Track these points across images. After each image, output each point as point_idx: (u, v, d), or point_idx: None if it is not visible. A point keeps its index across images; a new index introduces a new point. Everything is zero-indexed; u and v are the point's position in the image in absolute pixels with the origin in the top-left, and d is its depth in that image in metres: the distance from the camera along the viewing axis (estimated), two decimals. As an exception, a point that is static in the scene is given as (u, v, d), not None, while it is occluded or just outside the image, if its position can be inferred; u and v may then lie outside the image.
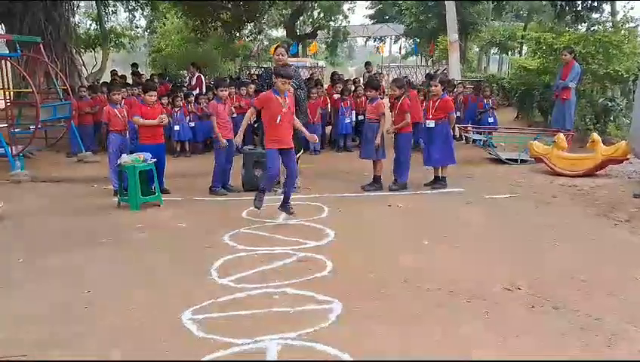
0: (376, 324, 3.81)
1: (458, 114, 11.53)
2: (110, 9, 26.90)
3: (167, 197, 7.58)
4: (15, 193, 8.11)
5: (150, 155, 7.32)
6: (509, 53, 26.11)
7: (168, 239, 5.93)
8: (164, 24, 28.93)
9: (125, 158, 7.17)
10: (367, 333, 3.67)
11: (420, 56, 39.14)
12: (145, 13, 30.01)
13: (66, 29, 18.34)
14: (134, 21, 31.21)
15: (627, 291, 4.32)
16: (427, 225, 6.25)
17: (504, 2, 27.69)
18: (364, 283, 4.55)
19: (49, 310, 4.15)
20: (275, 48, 7.95)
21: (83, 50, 22.87)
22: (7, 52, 13.32)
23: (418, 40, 34.05)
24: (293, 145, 6.34)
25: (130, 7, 28.45)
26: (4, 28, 18.90)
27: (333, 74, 13.87)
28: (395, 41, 49.39)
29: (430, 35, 29.18)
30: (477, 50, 31.60)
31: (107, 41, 23.72)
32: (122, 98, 8.46)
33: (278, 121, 6.16)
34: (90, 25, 27.35)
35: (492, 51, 28.86)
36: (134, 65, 18.10)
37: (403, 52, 49.93)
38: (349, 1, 38.82)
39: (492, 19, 28.74)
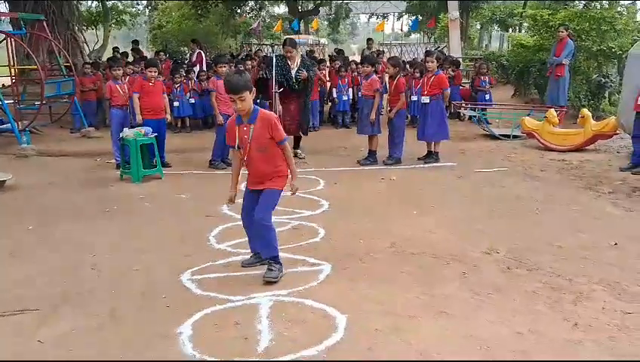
0: (361, 283, 4.11)
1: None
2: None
3: (167, 170, 7.87)
4: (23, 166, 8.39)
5: (151, 130, 7.59)
6: (510, 30, 26.09)
7: (169, 209, 6.22)
8: (165, 0, 28.94)
9: (127, 132, 7.43)
10: (352, 291, 3.97)
11: (422, 34, 38.99)
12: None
13: (69, 6, 18.49)
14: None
15: (600, 256, 4.60)
16: (417, 197, 6.52)
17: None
18: (353, 249, 4.84)
19: (59, 271, 4.45)
20: (284, 44, 8.64)
21: (84, 28, 23.00)
22: (12, 30, 13.47)
23: (420, 17, 33.93)
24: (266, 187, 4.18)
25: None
26: (7, 6, 19.03)
27: (338, 51, 14.10)
28: (398, 18, 49.13)
29: (432, 13, 29.11)
30: (478, 27, 31.53)
31: (109, 18, 23.79)
32: (124, 74, 8.65)
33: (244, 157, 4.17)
34: (92, 2, 27.36)
35: (493, 29, 28.80)
36: (135, 42, 18.27)
37: (405, 29, 49.70)
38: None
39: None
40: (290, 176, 4.25)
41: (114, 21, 26.11)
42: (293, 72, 8.23)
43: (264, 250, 4.23)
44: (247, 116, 4.02)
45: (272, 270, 4.13)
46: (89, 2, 28.02)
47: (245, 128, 4.04)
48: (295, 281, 4.13)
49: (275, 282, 4.06)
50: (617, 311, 3.62)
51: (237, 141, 4.11)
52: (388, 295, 3.91)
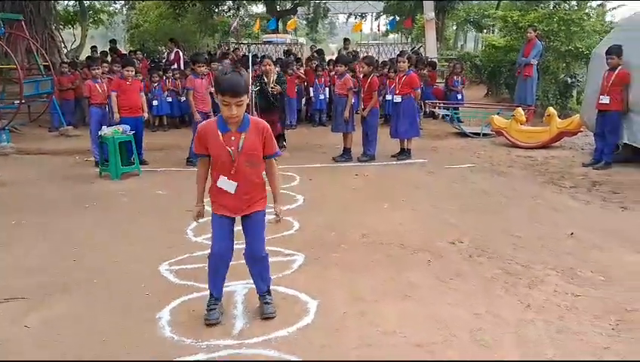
0: (332, 271, 4.34)
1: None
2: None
3: (145, 168, 8.02)
4: (3, 164, 8.49)
5: (129, 127, 7.74)
6: (484, 31, 26.59)
7: (148, 204, 6.39)
8: (142, 0, 28.88)
9: (105, 130, 7.57)
10: (324, 278, 4.21)
11: (400, 34, 39.42)
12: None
13: (46, 5, 18.40)
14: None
15: (557, 245, 4.89)
16: (389, 192, 6.78)
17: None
18: (326, 240, 5.07)
19: (43, 263, 4.61)
20: (262, 59, 9.32)
21: (62, 27, 22.90)
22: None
23: (398, 18, 34.31)
24: (256, 210, 3.49)
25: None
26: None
27: (319, 51, 14.39)
28: (376, 18, 49.51)
29: (409, 13, 29.49)
30: (454, 28, 32.02)
31: (86, 17, 23.72)
32: (102, 72, 8.78)
33: (222, 181, 3.41)
34: (69, 1, 27.23)
35: (468, 29, 29.32)
36: (112, 41, 18.28)
37: (383, 29, 50.12)
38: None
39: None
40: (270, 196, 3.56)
41: (91, 20, 26.02)
42: (269, 87, 8.60)
43: (263, 283, 3.68)
44: (236, 124, 3.30)
45: (269, 303, 3.63)
46: (66, 2, 27.93)
47: (234, 138, 3.30)
48: (270, 271, 4.33)
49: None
50: (568, 294, 3.90)
51: (214, 152, 3.33)
52: (357, 282, 4.15)
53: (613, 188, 6.69)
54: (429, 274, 4.27)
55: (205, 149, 3.38)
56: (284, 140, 9.26)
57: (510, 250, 4.77)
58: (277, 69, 9.48)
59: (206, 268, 3.64)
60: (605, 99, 7.51)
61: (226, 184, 3.39)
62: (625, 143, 7.68)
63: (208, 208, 3.56)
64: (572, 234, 5.12)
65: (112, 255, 4.77)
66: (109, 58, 14.58)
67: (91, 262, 4.63)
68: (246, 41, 26.60)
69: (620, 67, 7.43)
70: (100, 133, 7.60)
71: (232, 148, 3.31)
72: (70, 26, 25.53)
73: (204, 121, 3.54)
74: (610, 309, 3.66)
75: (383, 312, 3.66)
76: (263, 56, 9.35)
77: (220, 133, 3.32)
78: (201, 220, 3.64)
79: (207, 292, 3.64)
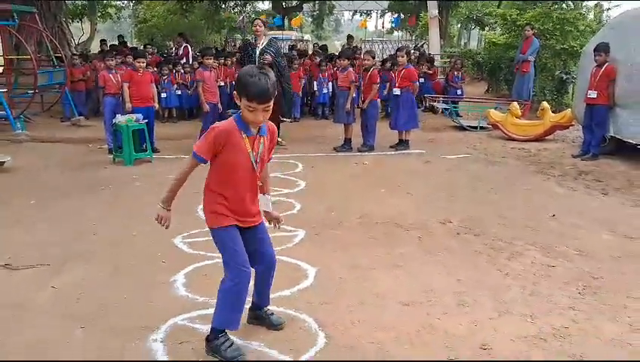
0: (331, 245, 4.75)
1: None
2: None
3: (157, 155, 8.43)
4: (18, 151, 8.88)
5: (142, 116, 8.15)
6: (486, 29, 26.93)
7: (160, 187, 6.67)
8: (150, -5, 29.32)
9: (120, 118, 7.99)
10: (323, 250, 4.62)
11: (404, 32, 39.75)
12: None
13: (57, -1, 18.86)
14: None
15: (539, 225, 5.29)
16: (386, 179, 7.18)
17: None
18: (325, 219, 5.48)
19: (63, 236, 5.02)
20: (253, 20, 8.77)
21: (70, 21, 23.36)
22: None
23: (402, 15, 34.66)
24: (261, 219, 3.24)
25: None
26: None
27: (322, 47, 14.81)
28: (381, 16, 49.85)
29: (413, 10, 29.83)
30: (458, 26, 32.35)
31: (95, 11, 24.15)
32: (116, 64, 9.20)
33: (262, 200, 3.23)
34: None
35: (471, 27, 29.68)
36: (120, 37, 18.71)
37: (388, 27, 50.43)
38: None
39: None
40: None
41: (99, 14, 26.48)
42: (257, 50, 8.35)
43: (268, 293, 3.38)
44: (257, 126, 2.97)
45: (273, 313, 3.40)
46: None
47: (256, 142, 2.98)
48: (273, 243, 4.74)
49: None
50: (543, 265, 4.31)
51: (235, 157, 2.94)
52: (353, 253, 4.56)
53: (598, 177, 7.09)
54: (419, 249, 4.68)
55: (214, 154, 2.92)
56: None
57: (496, 229, 5.17)
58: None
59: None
60: (593, 94, 7.89)
61: (264, 201, 3.21)
62: (611, 136, 8.06)
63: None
64: (554, 215, 5.52)
65: (129, 230, 5.18)
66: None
67: (110, 235, 5.05)
68: (252, 38, 27.03)
69: (606, 63, 7.80)
70: (114, 122, 8.01)
71: (255, 153, 2.98)
72: (78, 20, 26.01)
73: (221, 122, 2.98)
74: (579, 277, 4.07)
75: (376, 278, 4.07)
76: (255, 19, 8.88)
77: (243, 136, 2.93)
78: (164, 226, 3.19)
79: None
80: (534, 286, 3.93)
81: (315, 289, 3.89)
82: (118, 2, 30.39)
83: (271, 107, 2.87)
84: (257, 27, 8.44)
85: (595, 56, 7.90)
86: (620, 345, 3.18)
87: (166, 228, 3.21)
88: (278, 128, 9.13)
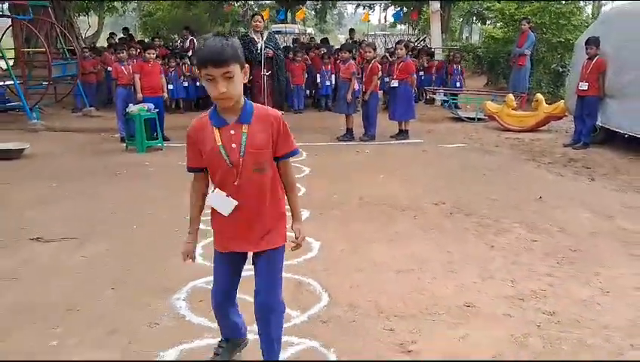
0: (333, 223, 5.17)
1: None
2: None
3: (167, 143, 8.86)
4: (35, 139, 9.31)
5: (153, 106, 8.57)
6: (487, 23, 27.26)
7: (172, 173, 7.19)
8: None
9: (132, 108, 8.41)
10: (325, 227, 5.03)
11: (407, 25, 40.04)
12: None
13: (66, -8, 19.24)
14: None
15: (526, 206, 5.70)
16: (385, 165, 7.59)
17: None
18: (328, 201, 5.90)
19: (85, 215, 5.45)
20: (253, 15, 9.14)
21: (77, 14, 23.74)
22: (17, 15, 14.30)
23: (405, 9, 34.97)
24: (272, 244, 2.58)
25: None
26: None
27: (323, 40, 15.19)
28: (384, 10, 50.11)
29: (415, 4, 30.14)
30: (460, 20, 32.65)
31: (103, 5, 24.52)
32: (128, 56, 9.61)
33: (215, 197, 2.50)
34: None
35: (472, 21, 30.02)
36: (125, 29, 19.08)
37: (391, 20, 50.68)
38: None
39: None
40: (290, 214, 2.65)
41: (105, 8, 26.86)
42: (258, 46, 8.70)
43: (272, 344, 2.64)
44: (234, 111, 2.39)
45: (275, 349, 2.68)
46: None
47: (233, 132, 2.39)
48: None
49: None
50: (527, 240, 4.72)
51: (208, 158, 2.42)
52: (353, 230, 4.98)
53: (586, 164, 7.50)
54: (413, 226, 5.10)
55: (201, 158, 2.45)
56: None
57: (485, 209, 5.58)
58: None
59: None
60: (584, 86, 8.28)
61: (220, 201, 2.45)
62: (601, 126, 8.45)
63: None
64: (540, 197, 5.93)
65: (145, 209, 5.61)
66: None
67: (127, 214, 5.48)
68: (250, 32, 27.37)
69: (597, 56, 8.19)
70: (127, 111, 8.43)
71: (234, 145, 2.38)
72: (85, 14, 26.38)
73: (193, 120, 2.51)
74: (558, 250, 4.48)
75: (373, 250, 4.49)
76: (254, 14, 9.10)
77: (213, 129, 2.39)
78: (189, 262, 2.74)
79: None
80: (517, 257, 4.35)
81: (318, 259, 4.31)
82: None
83: (233, 73, 2.27)
84: (257, 23, 8.77)
85: (586, 49, 8.29)
86: (589, 306, 3.59)
87: (192, 261, 2.77)
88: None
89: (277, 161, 2.51)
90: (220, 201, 2.46)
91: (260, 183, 2.45)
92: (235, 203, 2.44)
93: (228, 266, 2.63)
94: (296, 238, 2.64)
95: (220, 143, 2.38)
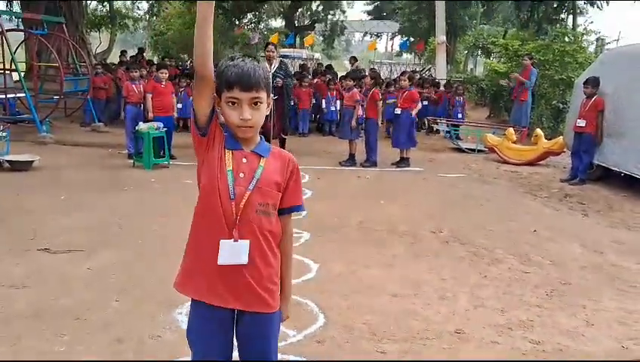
0: (332, 246, 5.34)
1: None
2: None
3: (173, 161, 9.06)
4: (44, 152, 9.51)
5: (162, 124, 8.80)
6: (491, 57, 27.69)
7: (177, 189, 7.40)
8: (166, 8, 30.18)
9: (142, 126, 8.63)
10: (324, 250, 5.20)
11: (413, 55, 40.62)
12: (148, -4, 31.21)
13: (79, 9, 19.69)
14: (136, 3, 32.58)
15: (520, 238, 5.86)
16: (386, 191, 7.78)
17: (493, 7, 29.35)
18: (328, 224, 6.06)
19: (92, 228, 5.62)
20: (266, 45, 9.43)
21: (89, 31, 24.23)
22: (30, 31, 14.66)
23: (412, 39, 35.57)
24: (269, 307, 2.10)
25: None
26: (20, 3, 20.26)
27: (328, 66, 15.52)
28: (391, 38, 50.87)
29: (422, 35, 30.71)
30: (465, 52, 33.15)
31: (116, 22, 24.98)
32: (140, 76, 9.87)
33: (224, 247, 2.02)
34: (99, 5, 28.56)
35: (477, 54, 30.52)
36: (140, 49, 19.46)
37: (397, 49, 51.43)
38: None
39: (483, 24, 30.29)
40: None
41: (117, 26, 27.37)
42: (270, 74, 9.12)
43: None
44: (250, 142, 2.10)
45: None
46: (95, 3, 29.29)
47: (245, 161, 2.06)
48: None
49: None
50: (518, 271, 4.88)
51: (206, 183, 2.06)
52: (351, 253, 5.15)
53: (581, 200, 7.67)
54: (410, 252, 5.26)
55: (208, 123, 2.03)
56: (283, 146, 9.91)
57: (481, 239, 5.74)
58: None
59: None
60: (582, 123, 8.50)
61: (229, 250, 2.01)
62: (597, 163, 8.65)
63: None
64: (535, 231, 6.09)
65: (151, 225, 5.78)
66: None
67: (133, 228, 5.64)
68: (264, 54, 27.79)
69: (595, 96, 8.42)
70: (136, 128, 8.65)
71: (242, 174, 2.04)
72: (97, 30, 26.89)
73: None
74: (549, 282, 4.64)
75: (370, 274, 4.65)
76: (268, 43, 9.37)
77: (225, 150, 2.06)
78: None
79: None
80: (508, 287, 4.50)
81: (317, 280, 4.47)
82: (135, 13, 31.38)
83: (261, 101, 2.03)
84: (271, 53, 9.04)
85: (584, 88, 8.52)
86: (574, 336, 3.74)
87: None
88: (284, 143, 9.86)
89: (279, 215, 2.12)
90: (230, 249, 2.01)
91: (260, 228, 2.04)
92: (247, 243, 2.01)
93: (211, 325, 2.11)
94: (282, 320, 2.23)
95: (230, 168, 2.03)
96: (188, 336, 2.16)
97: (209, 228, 2.05)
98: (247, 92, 1.99)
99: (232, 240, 2.00)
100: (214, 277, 2.04)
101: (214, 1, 1.97)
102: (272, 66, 9.13)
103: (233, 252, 2.01)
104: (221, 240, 2.01)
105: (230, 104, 2.01)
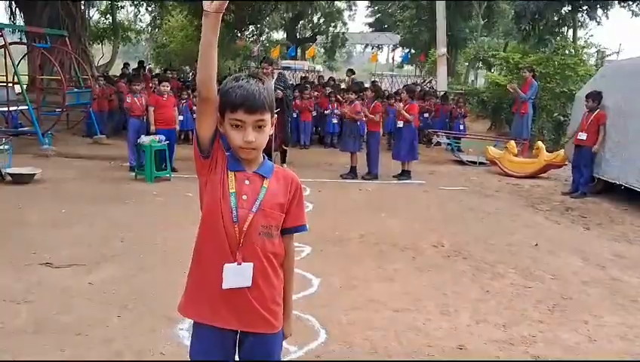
0: (333, 259, 5.34)
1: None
2: (119, 4, 28.41)
3: (174, 174, 9.07)
4: (46, 164, 9.54)
5: (164, 137, 8.83)
6: (492, 69, 27.78)
7: (179, 202, 7.41)
8: (168, 20, 30.41)
9: (144, 139, 8.66)
10: (326, 264, 5.19)
11: (415, 67, 40.77)
12: (150, 9, 31.44)
13: (82, 22, 19.83)
14: (138, 15, 32.82)
15: (521, 252, 5.86)
16: (387, 204, 7.78)
17: (494, 20, 29.49)
18: (329, 237, 6.06)
19: (94, 241, 5.62)
20: (262, 60, 9.52)
21: (91, 43, 24.37)
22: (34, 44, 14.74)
23: (413, 51, 35.70)
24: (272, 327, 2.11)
25: (136, 2, 29.92)
26: (23, 16, 20.40)
27: (330, 79, 15.58)
28: (393, 50, 51.11)
29: (423, 47, 30.83)
30: (466, 64, 33.27)
31: (118, 34, 25.14)
32: (141, 88, 9.92)
33: (228, 272, 2.00)
34: (101, 18, 28.77)
35: (478, 67, 30.64)
36: (141, 62, 19.58)
37: (398, 61, 51.62)
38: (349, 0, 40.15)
39: (485, 36, 30.39)
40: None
41: (119, 38, 27.54)
42: None
43: None
44: (253, 162, 2.08)
45: None
46: (95, 18, 29.51)
47: (248, 182, 2.05)
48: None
49: None
50: (521, 286, 4.86)
51: (209, 204, 2.03)
52: (352, 267, 5.14)
53: (582, 213, 7.67)
54: (411, 266, 5.25)
55: (211, 145, 2.01)
56: (285, 161, 9.76)
57: (482, 253, 5.74)
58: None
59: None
60: (583, 136, 8.52)
61: (233, 273, 2.00)
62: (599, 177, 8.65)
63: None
64: (536, 244, 6.08)
65: (152, 238, 5.78)
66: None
67: (135, 242, 5.64)
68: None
69: (597, 110, 8.44)
70: (139, 141, 8.68)
71: (245, 197, 2.02)
72: (99, 42, 27.06)
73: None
74: (551, 297, 4.63)
75: (371, 288, 4.64)
76: (264, 58, 9.50)
77: (227, 171, 2.03)
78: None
79: None
80: (510, 302, 4.49)
81: (318, 295, 4.46)
82: (137, 26, 31.58)
83: (265, 123, 2.00)
84: (265, 70, 9.06)
85: (586, 101, 8.55)
86: (576, 351, 3.73)
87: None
88: (285, 155, 9.90)
89: (282, 235, 2.11)
90: (235, 273, 2.00)
91: (263, 250, 2.02)
92: (251, 266, 2.00)
93: (214, 345, 2.09)
94: (285, 337, 2.23)
95: (233, 190, 2.01)
96: (190, 357, 2.15)
97: (212, 251, 2.03)
98: (251, 115, 1.97)
99: (236, 263, 2.00)
100: (218, 301, 2.04)
101: (218, 32, 2.00)
102: (272, 78, 9.20)
103: (237, 275, 2.00)
104: (225, 265, 1.99)
105: (234, 126, 1.99)
